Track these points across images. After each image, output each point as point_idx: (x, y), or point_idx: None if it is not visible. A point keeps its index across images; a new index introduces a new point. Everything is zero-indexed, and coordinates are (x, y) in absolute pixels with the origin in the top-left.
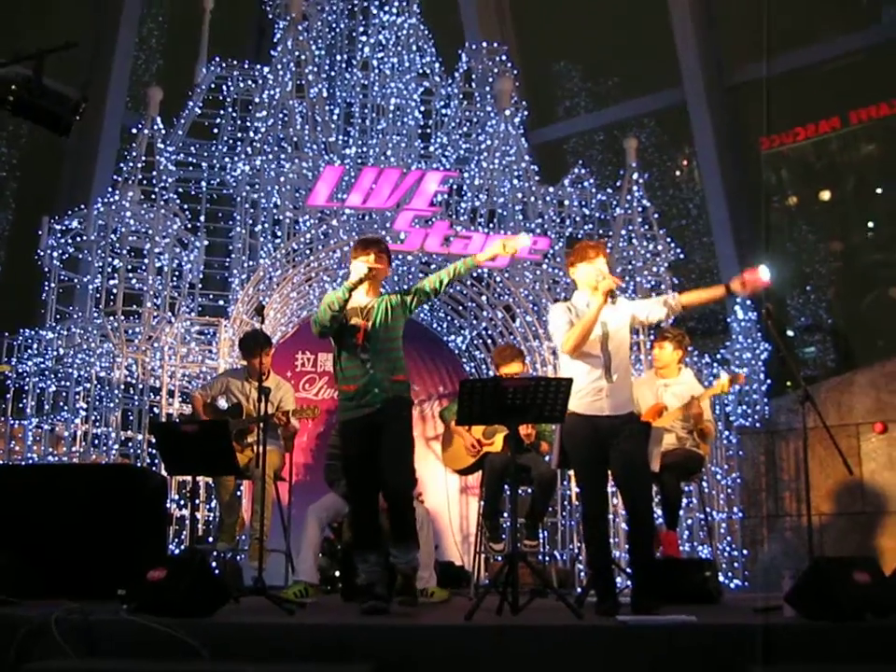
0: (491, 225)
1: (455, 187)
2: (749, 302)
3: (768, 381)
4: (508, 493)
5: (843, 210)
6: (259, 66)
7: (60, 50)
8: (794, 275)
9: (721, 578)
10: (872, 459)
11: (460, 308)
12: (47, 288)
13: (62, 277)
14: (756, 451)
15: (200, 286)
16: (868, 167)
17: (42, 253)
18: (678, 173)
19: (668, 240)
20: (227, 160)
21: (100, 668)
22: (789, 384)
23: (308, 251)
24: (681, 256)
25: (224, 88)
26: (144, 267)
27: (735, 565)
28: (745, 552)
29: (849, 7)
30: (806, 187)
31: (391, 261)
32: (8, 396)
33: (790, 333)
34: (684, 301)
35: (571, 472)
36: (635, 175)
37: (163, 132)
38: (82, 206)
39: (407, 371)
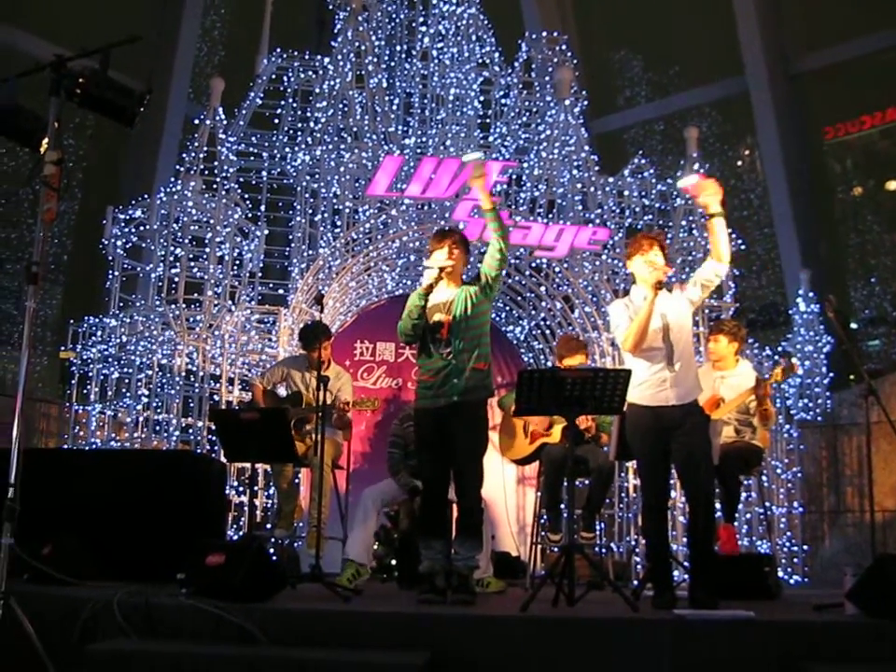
0: (550, 215)
1: (514, 176)
2: (811, 294)
3: (830, 374)
4: (565, 484)
5: None
6: (319, 57)
7: (125, 44)
8: (859, 267)
9: (780, 573)
10: None
11: (519, 298)
12: (110, 277)
13: (125, 266)
14: (817, 445)
15: (260, 275)
16: None
17: (106, 242)
18: (739, 163)
19: (729, 231)
20: (287, 150)
21: (161, 650)
22: (852, 377)
23: (367, 241)
24: (742, 247)
25: (285, 78)
26: (205, 256)
27: (795, 560)
28: (805, 547)
29: None
30: (872, 176)
31: (469, 250)
32: (73, 382)
33: (853, 325)
34: (716, 255)
35: (629, 464)
36: (696, 166)
37: (225, 122)
38: (145, 196)
39: (490, 359)
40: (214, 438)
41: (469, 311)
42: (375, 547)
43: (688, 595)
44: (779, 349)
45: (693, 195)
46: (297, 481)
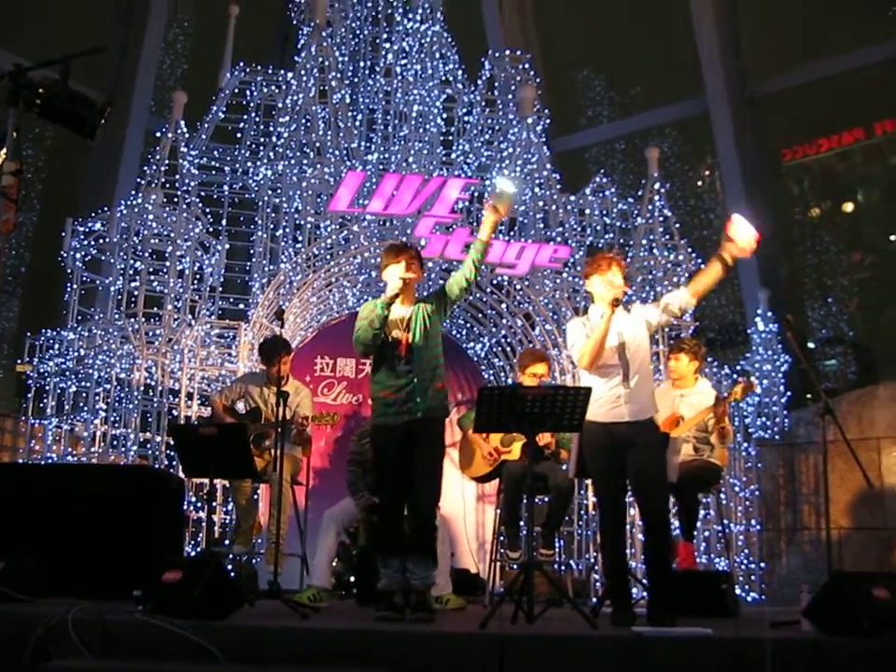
0: (512, 233)
1: (476, 194)
2: (769, 314)
3: (788, 393)
4: (525, 501)
5: (866, 222)
6: (282, 72)
7: (86, 55)
8: (816, 287)
9: (737, 591)
10: (893, 474)
11: (479, 315)
12: (69, 290)
13: (84, 279)
14: (775, 463)
15: (220, 289)
16: (893, 179)
17: (65, 254)
18: (699, 182)
19: (689, 250)
20: (249, 164)
21: (116, 669)
22: (809, 396)
23: (329, 256)
24: (702, 266)
25: (248, 93)
26: (165, 270)
27: (753, 578)
28: (762, 565)
29: (873, 19)
30: (829, 198)
31: (423, 266)
32: (29, 395)
33: (811, 345)
34: (694, 290)
35: (588, 482)
36: (656, 185)
37: (187, 135)
38: (105, 209)
39: (444, 379)
40: (172, 453)
41: (428, 328)
42: (334, 563)
43: (646, 613)
44: (738, 368)
45: (727, 231)
46: (255, 497)
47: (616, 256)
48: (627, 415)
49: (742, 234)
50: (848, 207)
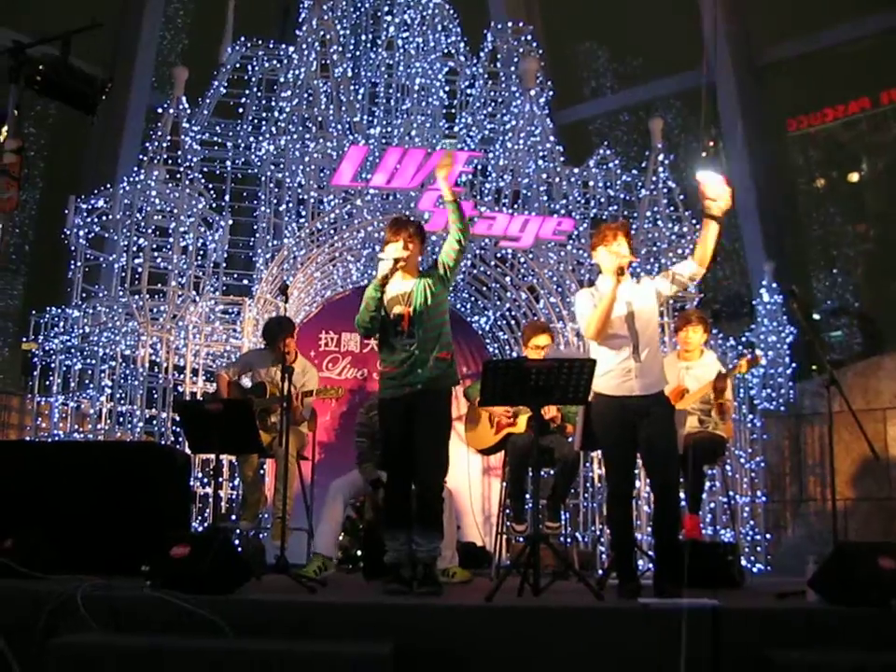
0: (515, 206)
1: (479, 167)
2: (774, 285)
3: (793, 364)
4: (531, 474)
5: (871, 192)
6: (283, 46)
7: (86, 30)
8: (821, 258)
9: (743, 562)
10: None
11: (484, 289)
12: (73, 267)
13: (88, 256)
14: (780, 435)
15: (224, 265)
16: None
17: (68, 232)
18: (703, 154)
19: (693, 221)
20: (252, 139)
21: (125, 643)
22: (814, 367)
23: (332, 231)
24: None
25: (249, 68)
26: (169, 246)
27: (759, 549)
28: (768, 536)
29: None
30: (834, 168)
31: (425, 240)
32: (35, 373)
33: (816, 316)
34: (697, 257)
35: (594, 454)
36: (660, 157)
37: (189, 111)
38: (108, 186)
39: (452, 348)
40: (178, 429)
41: (428, 301)
42: (341, 538)
43: (653, 585)
44: (743, 340)
45: (703, 192)
46: (262, 472)
47: (621, 225)
48: (638, 389)
49: (716, 190)
50: (854, 177)
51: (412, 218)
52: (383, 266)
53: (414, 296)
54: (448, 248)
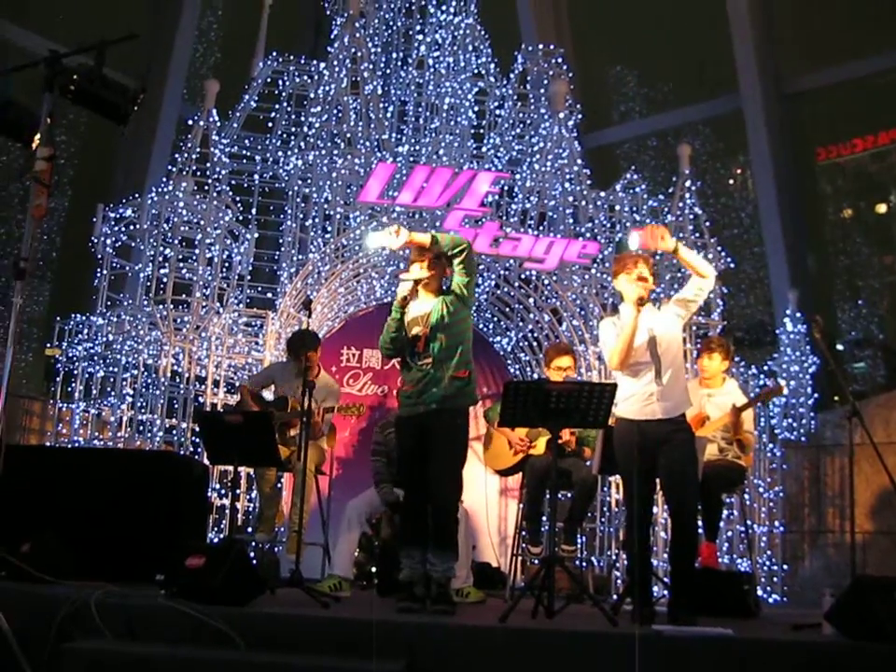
0: (541, 228)
1: (506, 188)
2: (798, 314)
3: (815, 395)
4: (548, 496)
5: None
6: (315, 62)
7: (121, 41)
8: (846, 289)
9: (759, 592)
10: None
11: (507, 310)
12: (99, 275)
13: (114, 265)
14: (800, 465)
15: (249, 278)
16: None
17: (96, 240)
18: (731, 181)
19: (719, 249)
20: (280, 154)
21: (137, 651)
22: (836, 398)
23: (357, 247)
24: (731, 265)
25: (280, 82)
26: (194, 257)
27: (775, 579)
28: (785, 566)
29: None
30: (862, 199)
31: (449, 261)
32: (58, 379)
33: (839, 347)
34: (696, 275)
35: (612, 479)
36: (687, 183)
37: (219, 124)
38: (136, 195)
39: (472, 367)
40: (197, 440)
41: (446, 319)
42: (356, 554)
43: (668, 612)
44: (765, 368)
45: (647, 247)
46: (279, 485)
47: (642, 254)
48: (660, 413)
49: (646, 240)
50: (882, 209)
51: None
52: (402, 287)
53: (432, 313)
54: (455, 264)
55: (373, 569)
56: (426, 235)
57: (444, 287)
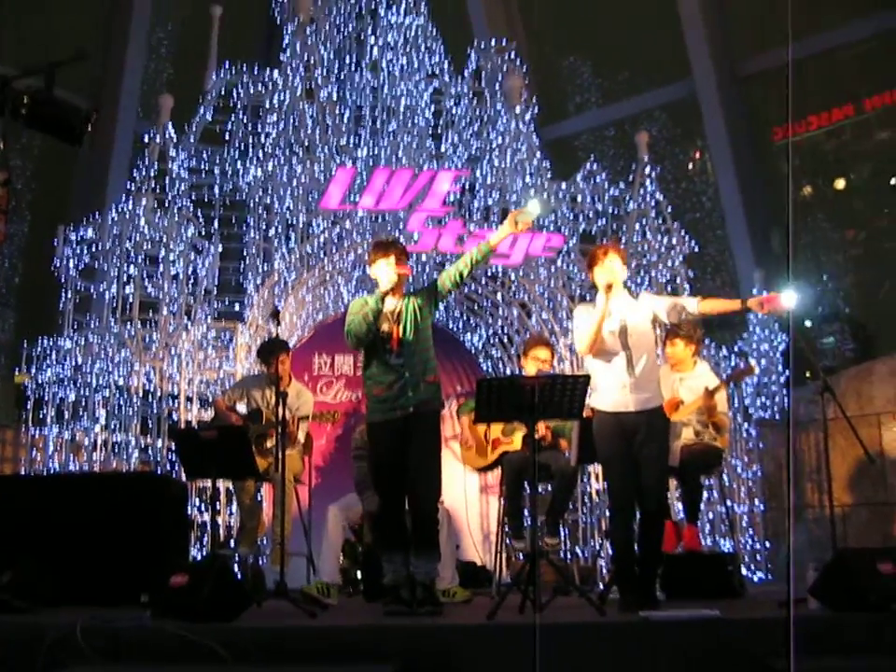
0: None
1: (467, 185)
2: (764, 294)
3: (786, 372)
4: (528, 491)
5: (858, 198)
6: (268, 71)
7: (71, 62)
8: (811, 265)
9: (744, 571)
10: (894, 448)
11: (475, 307)
12: (64, 298)
13: (78, 286)
14: (776, 443)
15: (215, 291)
16: (883, 154)
17: (58, 263)
18: (690, 166)
19: (682, 233)
20: (239, 165)
21: None
22: (808, 374)
23: (322, 254)
24: (696, 249)
25: (234, 93)
26: (159, 274)
27: (758, 557)
28: (767, 544)
29: None
30: (821, 176)
31: (408, 261)
32: (28, 405)
33: (808, 323)
34: (703, 309)
35: (591, 468)
36: (647, 169)
37: (175, 139)
38: (97, 215)
39: (438, 371)
40: (173, 457)
41: (418, 323)
42: (340, 561)
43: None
44: (735, 349)
45: (769, 305)
46: (259, 497)
47: (611, 244)
48: (633, 405)
49: (777, 308)
50: (840, 184)
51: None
52: (387, 279)
53: (404, 316)
54: (451, 276)
55: (358, 575)
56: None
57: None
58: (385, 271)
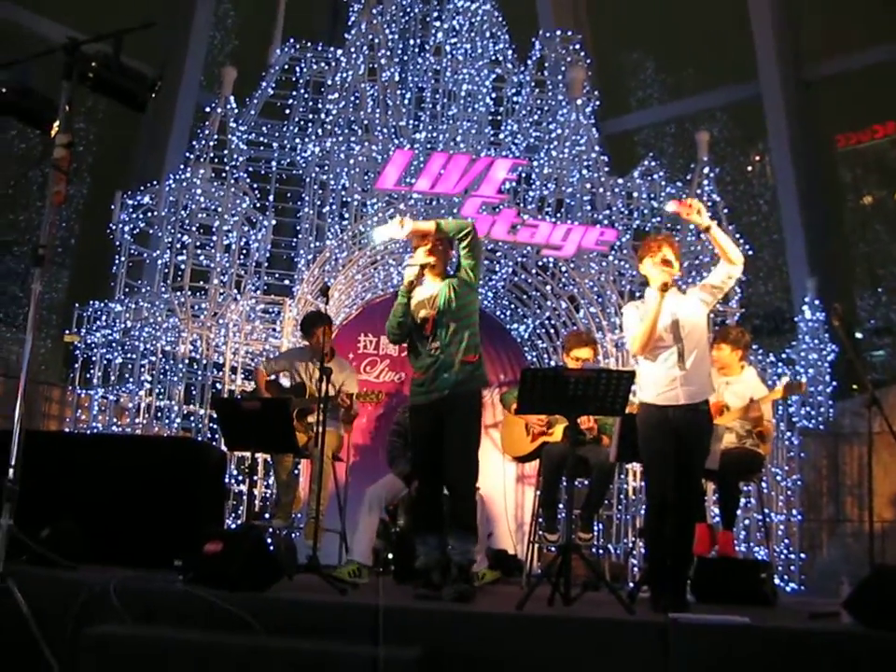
0: (559, 214)
1: (523, 175)
2: (817, 302)
3: (834, 383)
4: (565, 484)
5: None
6: (332, 49)
7: (139, 30)
8: (866, 276)
9: (776, 580)
10: None
11: (524, 297)
12: (117, 262)
13: (132, 251)
14: (818, 453)
15: (266, 264)
16: None
17: (114, 227)
18: (749, 168)
19: (737, 236)
20: (297, 141)
21: (156, 636)
22: (855, 386)
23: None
24: (750, 252)
25: (297, 69)
26: (212, 244)
27: (792, 568)
28: (802, 555)
29: None
30: (883, 186)
31: (452, 245)
32: (76, 366)
33: (858, 335)
34: (726, 261)
35: (629, 466)
36: (706, 169)
37: (236, 111)
38: (154, 182)
39: (480, 350)
40: (215, 426)
41: (453, 303)
42: (374, 543)
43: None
44: (784, 356)
45: (680, 214)
46: (296, 472)
47: (667, 237)
48: (683, 398)
49: (682, 211)
50: None
51: None
52: (409, 272)
53: (439, 297)
54: (461, 250)
55: (390, 556)
56: (430, 223)
57: (451, 271)
58: (411, 261)
